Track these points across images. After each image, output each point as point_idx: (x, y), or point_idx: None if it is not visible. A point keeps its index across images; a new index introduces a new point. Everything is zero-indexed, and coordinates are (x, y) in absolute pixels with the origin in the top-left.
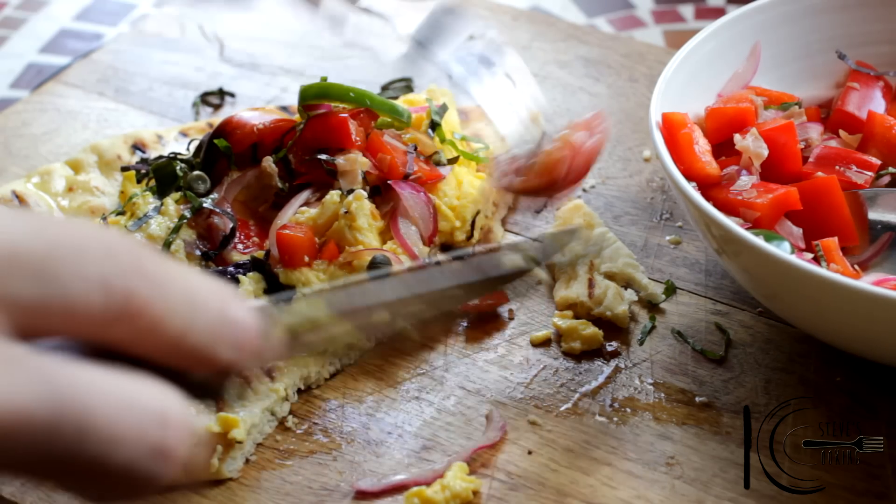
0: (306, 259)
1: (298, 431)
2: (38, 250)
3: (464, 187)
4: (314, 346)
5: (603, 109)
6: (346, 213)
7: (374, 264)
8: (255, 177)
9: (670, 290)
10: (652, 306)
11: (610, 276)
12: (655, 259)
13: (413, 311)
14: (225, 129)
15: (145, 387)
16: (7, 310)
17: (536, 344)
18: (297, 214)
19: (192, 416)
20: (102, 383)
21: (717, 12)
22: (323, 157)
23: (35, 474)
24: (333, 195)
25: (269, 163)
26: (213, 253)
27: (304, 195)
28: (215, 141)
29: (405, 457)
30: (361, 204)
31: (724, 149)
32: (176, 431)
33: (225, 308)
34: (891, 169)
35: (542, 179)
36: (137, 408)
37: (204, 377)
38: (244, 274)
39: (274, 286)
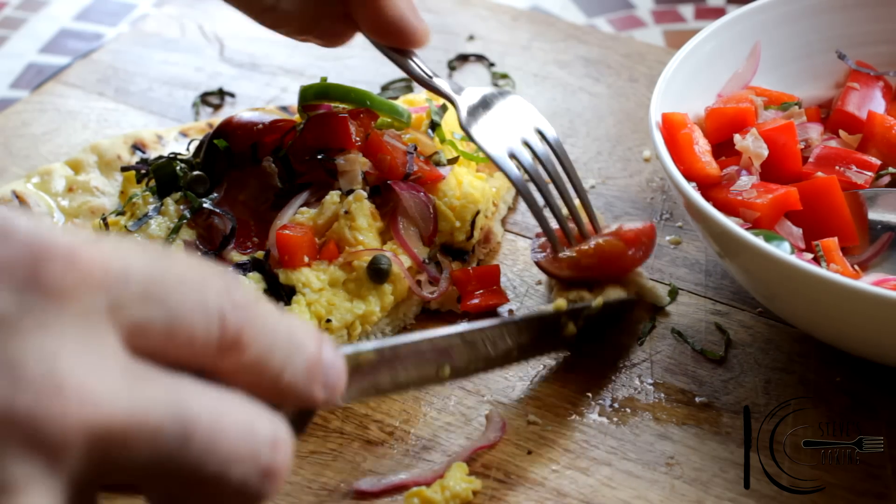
0: (306, 259)
1: None
2: (168, 282)
3: (464, 187)
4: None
5: (654, 225)
6: (346, 213)
7: (374, 265)
8: (255, 177)
9: (673, 293)
10: (654, 309)
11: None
12: (655, 259)
13: (471, 368)
14: (225, 130)
15: (260, 412)
16: (135, 333)
17: None
18: (297, 214)
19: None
20: (227, 406)
21: (717, 12)
22: (324, 157)
23: (151, 487)
24: (333, 195)
25: (269, 163)
26: (213, 253)
27: (304, 195)
28: (215, 141)
29: (405, 457)
30: (361, 204)
31: (724, 149)
32: (284, 455)
33: (320, 350)
34: (891, 169)
35: (571, 273)
36: (255, 431)
37: (290, 413)
38: (244, 274)
39: (274, 286)
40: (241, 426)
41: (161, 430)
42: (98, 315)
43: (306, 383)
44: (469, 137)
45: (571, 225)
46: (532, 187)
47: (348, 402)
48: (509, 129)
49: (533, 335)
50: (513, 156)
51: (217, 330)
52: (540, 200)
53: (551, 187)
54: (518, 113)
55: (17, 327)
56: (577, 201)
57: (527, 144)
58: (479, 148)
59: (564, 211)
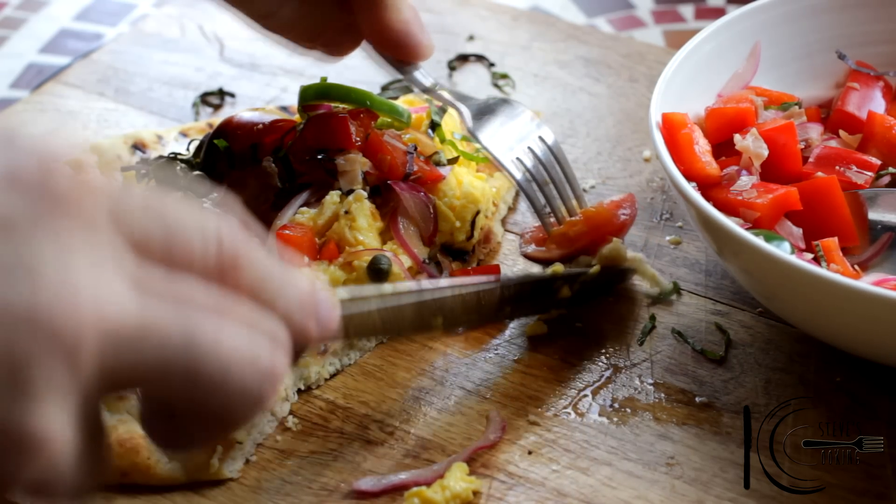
0: (306, 260)
1: (298, 431)
2: (166, 203)
3: (464, 187)
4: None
5: (633, 194)
6: (346, 213)
7: (374, 265)
8: (255, 177)
9: (675, 290)
10: (654, 301)
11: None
12: (655, 259)
13: (463, 320)
14: (225, 130)
15: (258, 315)
16: (137, 244)
17: (532, 335)
18: (297, 215)
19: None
20: (228, 309)
21: (717, 12)
22: (323, 157)
23: (154, 396)
24: (333, 195)
25: (269, 163)
26: None
27: (304, 195)
28: (215, 141)
29: (405, 457)
30: (361, 204)
31: (724, 149)
32: (282, 357)
33: (314, 287)
34: (891, 169)
35: (561, 251)
36: (255, 333)
37: None
38: None
39: None
40: (241, 330)
41: (168, 334)
42: (104, 223)
43: (301, 315)
44: (477, 143)
45: None
46: (534, 188)
47: (339, 339)
48: (513, 134)
49: (527, 295)
50: (517, 159)
51: (214, 249)
52: (541, 200)
53: (551, 188)
54: (520, 119)
55: (30, 232)
56: (574, 202)
57: (529, 148)
58: (488, 153)
59: (563, 211)
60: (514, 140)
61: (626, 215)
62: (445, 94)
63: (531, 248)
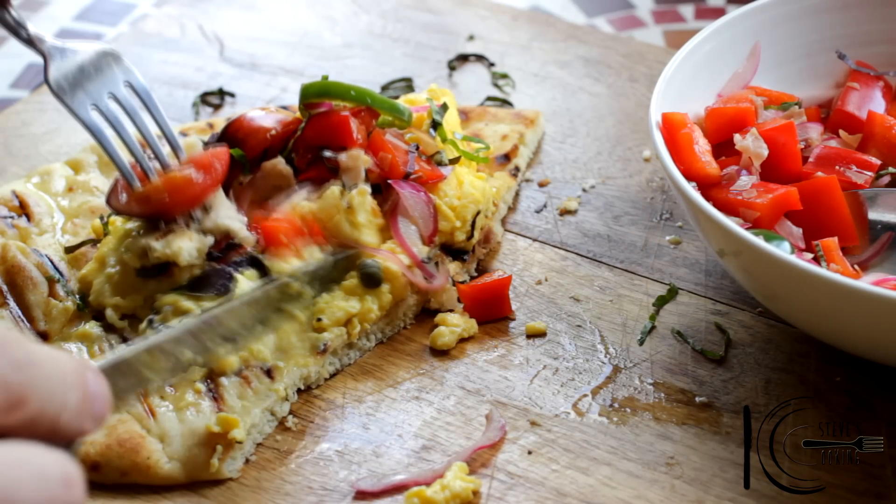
0: (287, 243)
1: (298, 431)
2: None
3: (464, 187)
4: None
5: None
6: (347, 207)
7: (364, 269)
8: (263, 178)
9: (673, 291)
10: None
11: None
12: (655, 259)
13: (214, 347)
14: (237, 136)
15: (44, 455)
16: None
17: (531, 335)
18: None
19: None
20: (15, 459)
21: (717, 12)
22: (328, 153)
23: None
24: (334, 189)
25: (282, 164)
26: (217, 255)
27: (304, 191)
28: (231, 152)
29: (405, 457)
30: (364, 200)
31: (724, 149)
32: (78, 489)
33: (86, 383)
34: (891, 169)
35: (143, 208)
36: (46, 476)
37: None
38: (240, 272)
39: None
40: (32, 476)
41: None
42: None
43: (79, 420)
44: (52, 93)
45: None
46: (110, 138)
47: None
48: (95, 84)
49: (269, 308)
50: (93, 105)
51: (1, 395)
52: (123, 155)
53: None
54: (107, 68)
55: None
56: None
57: (112, 95)
58: (60, 102)
59: (155, 166)
60: (93, 88)
61: (208, 180)
62: (37, 39)
63: (122, 198)
